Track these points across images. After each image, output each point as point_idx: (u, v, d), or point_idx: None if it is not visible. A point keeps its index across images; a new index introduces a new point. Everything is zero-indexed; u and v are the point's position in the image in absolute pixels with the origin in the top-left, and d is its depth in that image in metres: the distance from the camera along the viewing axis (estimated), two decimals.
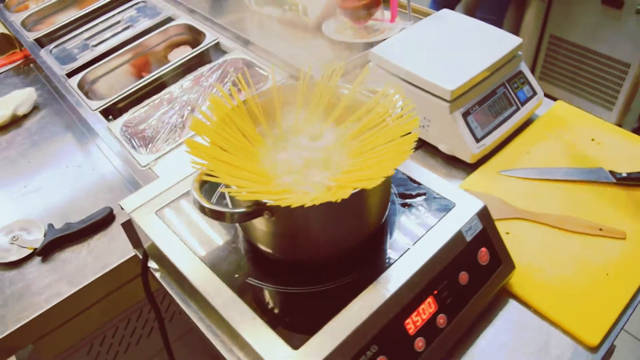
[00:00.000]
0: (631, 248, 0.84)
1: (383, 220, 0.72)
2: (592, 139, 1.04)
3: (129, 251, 0.92)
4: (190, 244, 0.72)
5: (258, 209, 0.57)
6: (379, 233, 0.71)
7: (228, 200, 0.69)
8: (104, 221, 0.99)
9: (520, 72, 1.07)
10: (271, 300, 0.66)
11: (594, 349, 0.74)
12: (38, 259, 0.94)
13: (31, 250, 0.95)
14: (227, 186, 0.58)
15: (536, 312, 0.78)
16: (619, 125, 2.27)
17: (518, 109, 1.04)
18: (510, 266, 0.79)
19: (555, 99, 1.17)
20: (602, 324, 0.75)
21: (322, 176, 0.63)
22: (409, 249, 0.69)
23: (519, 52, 1.05)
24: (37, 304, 0.86)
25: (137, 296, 0.98)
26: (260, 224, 0.62)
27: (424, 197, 0.77)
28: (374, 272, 0.67)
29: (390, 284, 0.65)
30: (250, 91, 0.71)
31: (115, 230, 0.98)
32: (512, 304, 0.80)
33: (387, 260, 0.68)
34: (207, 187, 0.77)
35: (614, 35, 2.24)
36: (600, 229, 0.87)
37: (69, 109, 1.29)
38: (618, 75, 2.28)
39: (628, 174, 0.94)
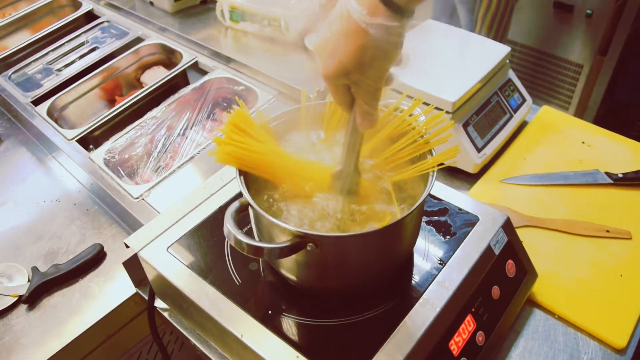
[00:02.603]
0: (639, 247, 0.86)
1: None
2: (582, 142, 1.07)
3: (128, 290, 0.85)
4: (211, 281, 0.67)
5: (302, 241, 0.53)
6: (412, 254, 0.69)
7: (255, 234, 0.65)
8: (94, 259, 0.91)
9: (510, 80, 1.08)
10: (311, 335, 0.62)
11: (621, 351, 0.74)
12: (24, 306, 0.86)
13: (15, 298, 0.86)
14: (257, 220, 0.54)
15: (560, 318, 0.78)
16: None
17: (511, 116, 1.05)
18: (534, 275, 0.78)
19: None
20: (625, 326, 0.76)
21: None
22: (442, 268, 0.67)
23: (507, 61, 1.07)
24: (29, 359, 0.78)
25: (138, 336, 0.91)
26: (298, 256, 0.58)
27: (447, 213, 0.75)
28: (412, 297, 0.64)
29: (431, 307, 0.63)
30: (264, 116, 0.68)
31: (108, 267, 0.91)
32: (536, 312, 0.79)
33: (423, 283, 0.66)
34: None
35: (567, 38, 2.34)
36: (607, 231, 0.89)
37: (36, 138, 1.19)
38: (572, 76, 2.38)
39: (624, 174, 0.97)
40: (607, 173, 0.98)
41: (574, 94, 2.42)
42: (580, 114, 2.38)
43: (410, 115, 0.67)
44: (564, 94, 2.45)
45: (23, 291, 0.86)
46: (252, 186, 0.61)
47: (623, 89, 2.40)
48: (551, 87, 2.49)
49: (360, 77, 0.50)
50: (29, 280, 0.88)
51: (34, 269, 0.89)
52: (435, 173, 0.59)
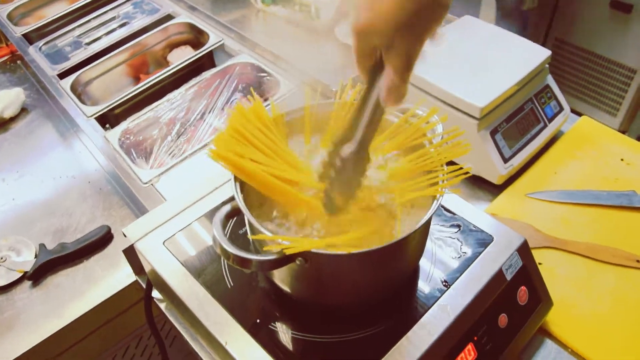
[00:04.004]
0: None
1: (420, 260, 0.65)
2: (622, 159, 0.99)
3: (129, 276, 0.84)
4: (203, 281, 0.65)
5: (291, 255, 0.50)
6: (414, 273, 0.65)
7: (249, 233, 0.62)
8: (100, 241, 0.91)
9: (548, 86, 1.01)
10: (299, 350, 0.59)
11: None
12: (28, 283, 0.86)
13: (21, 274, 0.87)
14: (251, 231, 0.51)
15: (574, 352, 0.73)
16: (624, 131, 2.23)
17: (545, 125, 0.98)
18: (549, 303, 0.73)
19: None
20: None
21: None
22: (446, 290, 0.63)
23: (546, 65, 0.99)
24: (27, 337, 0.78)
25: (137, 322, 0.91)
26: (290, 268, 0.55)
27: (459, 229, 0.70)
28: (410, 319, 0.60)
29: (428, 332, 0.59)
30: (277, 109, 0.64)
31: (113, 251, 0.91)
32: (547, 343, 0.74)
33: (423, 305, 0.62)
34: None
35: (621, 40, 2.19)
36: (638, 261, 0.82)
37: (60, 112, 1.20)
38: (623, 80, 2.24)
39: None
40: None
41: (624, 99, 2.28)
42: (627, 122, 2.24)
43: (427, 122, 0.62)
44: (613, 99, 2.31)
45: (28, 267, 0.87)
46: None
47: None
48: (599, 92, 2.35)
49: (398, 37, 0.43)
50: (35, 257, 0.89)
51: (41, 246, 0.89)
52: (441, 197, 0.54)
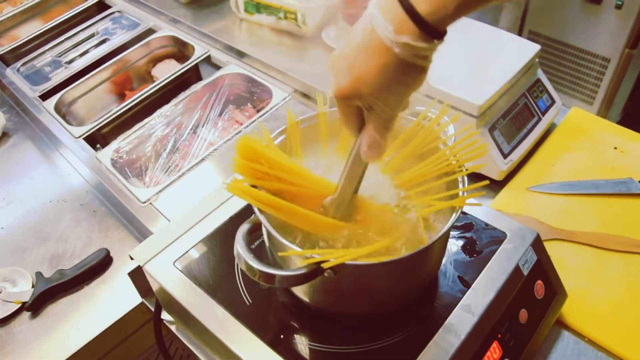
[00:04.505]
0: None
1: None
2: (615, 148, 1.00)
3: (134, 298, 0.82)
4: (220, 299, 0.63)
5: (319, 268, 0.48)
6: (434, 278, 0.64)
7: (268, 253, 0.60)
8: (100, 265, 0.88)
9: (539, 80, 1.02)
10: None
11: None
12: (27, 314, 0.83)
13: (19, 305, 0.83)
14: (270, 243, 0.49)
15: (591, 341, 0.73)
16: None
17: (540, 119, 0.99)
18: (564, 295, 0.73)
19: None
20: None
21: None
22: (467, 291, 0.63)
23: (537, 60, 1.00)
24: None
25: (144, 346, 0.88)
26: (315, 281, 0.54)
27: (472, 229, 0.70)
28: (434, 323, 0.60)
29: (455, 334, 0.58)
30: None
31: (114, 274, 0.88)
32: (564, 334, 0.74)
33: (447, 307, 0.61)
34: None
35: (594, 31, 2.24)
36: None
37: (44, 134, 1.16)
38: (598, 70, 2.29)
39: None
40: None
41: (599, 89, 2.33)
42: (605, 110, 2.29)
43: (438, 125, 0.62)
44: (589, 89, 2.36)
45: (26, 297, 0.83)
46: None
47: None
48: (575, 82, 2.40)
49: (376, 101, 0.44)
50: (33, 286, 0.85)
51: (38, 274, 0.86)
52: (465, 193, 0.54)
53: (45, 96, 1.18)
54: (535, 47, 0.98)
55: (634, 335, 0.73)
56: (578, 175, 0.95)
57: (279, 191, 0.55)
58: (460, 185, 0.55)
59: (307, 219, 0.54)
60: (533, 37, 2.41)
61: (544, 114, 1.00)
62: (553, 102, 1.03)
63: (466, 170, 0.56)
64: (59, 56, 1.29)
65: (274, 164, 0.55)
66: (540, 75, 1.03)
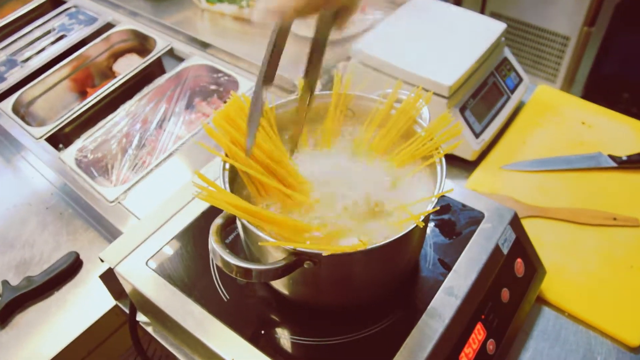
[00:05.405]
0: None
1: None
2: (583, 122, 1.02)
3: (107, 301, 0.79)
4: (196, 298, 0.61)
5: (299, 259, 0.47)
6: (416, 262, 0.64)
7: (244, 246, 0.59)
8: (70, 269, 0.84)
9: (506, 59, 1.02)
10: (310, 356, 0.56)
11: (636, 349, 0.70)
12: None
13: None
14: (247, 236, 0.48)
15: (570, 316, 0.74)
16: None
17: (509, 97, 1.00)
18: (543, 271, 0.74)
19: None
20: (638, 322, 0.72)
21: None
22: (448, 273, 0.62)
23: (503, 39, 1.00)
24: None
25: (120, 349, 0.86)
26: (295, 273, 0.52)
27: (449, 210, 0.70)
28: (417, 308, 0.59)
29: (439, 319, 0.58)
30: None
31: (85, 277, 0.85)
32: (545, 310, 0.75)
33: (429, 291, 0.61)
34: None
35: (552, 10, 2.29)
36: (615, 219, 0.84)
37: (3, 137, 1.11)
38: (559, 48, 2.33)
39: (628, 157, 0.92)
40: (610, 156, 0.93)
41: (560, 66, 2.38)
42: (567, 87, 2.33)
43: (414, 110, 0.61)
44: (551, 67, 2.40)
45: None
46: (236, 188, 0.55)
47: (612, 61, 2.36)
48: (537, 60, 2.44)
49: None
50: (0, 296, 0.82)
51: (4, 283, 0.82)
52: (444, 166, 0.53)
53: (1, 97, 1.12)
54: (501, 26, 0.98)
55: (611, 306, 0.74)
56: (549, 151, 0.96)
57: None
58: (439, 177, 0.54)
59: (283, 224, 0.52)
60: (495, 17, 2.43)
61: (512, 92, 1.01)
62: (521, 80, 1.04)
63: (443, 152, 0.55)
64: (14, 55, 1.23)
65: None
66: (507, 53, 1.03)
